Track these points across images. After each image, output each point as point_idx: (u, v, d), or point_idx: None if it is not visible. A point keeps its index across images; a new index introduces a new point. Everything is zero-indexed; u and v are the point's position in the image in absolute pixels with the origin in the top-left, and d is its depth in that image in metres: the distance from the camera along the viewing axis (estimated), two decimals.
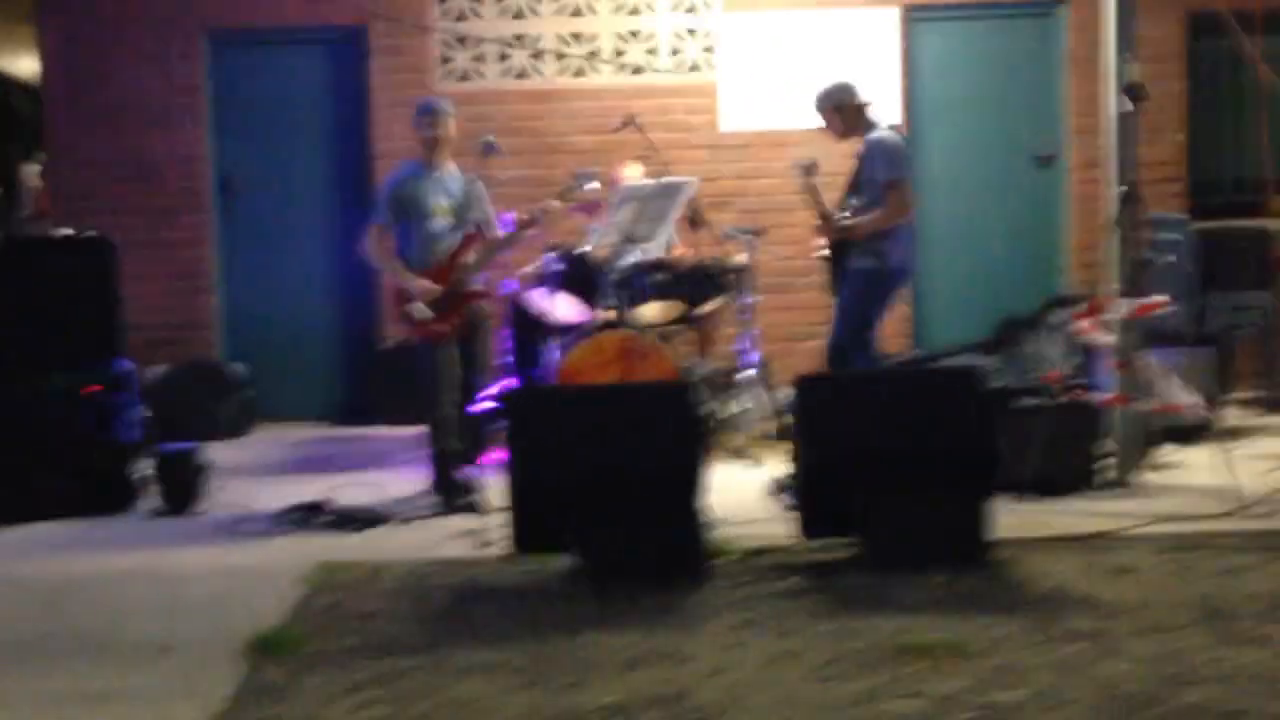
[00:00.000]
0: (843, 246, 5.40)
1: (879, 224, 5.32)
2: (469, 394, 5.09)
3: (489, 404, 5.32)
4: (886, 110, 6.96)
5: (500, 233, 5.29)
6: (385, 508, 4.91)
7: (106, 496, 5.08)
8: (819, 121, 5.56)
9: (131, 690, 3.20)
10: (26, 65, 7.33)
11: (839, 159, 5.77)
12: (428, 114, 5.17)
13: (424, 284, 5.01)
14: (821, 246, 5.54)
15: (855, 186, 5.42)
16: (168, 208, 7.10)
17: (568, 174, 6.46)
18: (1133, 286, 5.00)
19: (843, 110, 5.44)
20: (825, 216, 5.39)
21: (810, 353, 6.92)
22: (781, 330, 6.95)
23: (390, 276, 5.29)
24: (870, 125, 5.44)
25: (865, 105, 5.48)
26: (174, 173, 7.09)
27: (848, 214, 5.38)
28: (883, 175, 5.32)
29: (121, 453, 5.19)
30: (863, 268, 5.35)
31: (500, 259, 5.53)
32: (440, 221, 5.08)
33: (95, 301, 5.39)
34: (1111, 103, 5.07)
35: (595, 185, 5.42)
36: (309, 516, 4.80)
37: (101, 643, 3.57)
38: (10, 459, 5.05)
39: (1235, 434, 5.60)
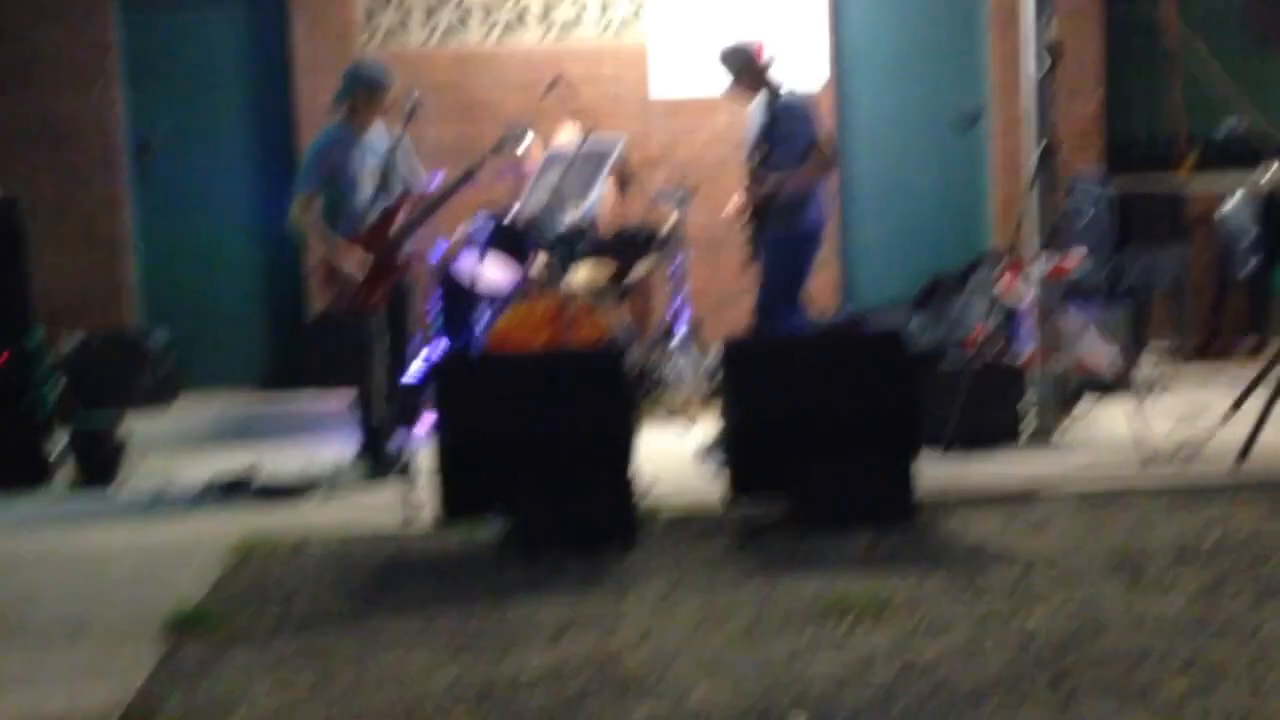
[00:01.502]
0: (763, 209, 5.37)
1: (807, 181, 5.33)
2: (397, 361, 5.01)
3: (418, 370, 5.26)
4: (815, 69, 6.99)
5: (429, 190, 5.17)
6: (311, 478, 4.84)
7: (19, 471, 4.95)
8: (725, 81, 5.47)
9: (44, 673, 3.14)
10: None
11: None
12: (383, 83, 4.95)
13: (355, 255, 4.86)
14: (746, 209, 5.49)
15: (768, 148, 5.35)
16: (80, 170, 6.88)
17: (495, 137, 6.41)
18: (1051, 243, 5.08)
19: (752, 69, 5.39)
20: (757, 173, 5.33)
21: (741, 314, 6.94)
22: (712, 292, 6.96)
23: (319, 246, 5.12)
24: (773, 87, 5.37)
25: (768, 65, 5.43)
26: (86, 134, 6.87)
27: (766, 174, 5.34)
28: (805, 135, 5.31)
29: (34, 426, 5.05)
30: (786, 229, 5.35)
31: (429, 221, 5.40)
32: (369, 188, 4.95)
33: (4, 268, 5.20)
34: (1031, 62, 5.11)
35: (528, 140, 5.31)
36: (232, 489, 4.72)
37: (13, 624, 3.50)
38: None
39: (1150, 386, 5.74)
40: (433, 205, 5.10)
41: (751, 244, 5.45)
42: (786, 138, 5.30)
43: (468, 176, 5.05)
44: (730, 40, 5.49)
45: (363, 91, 4.96)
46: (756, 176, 5.33)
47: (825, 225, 5.54)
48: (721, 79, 5.49)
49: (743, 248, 5.54)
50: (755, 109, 5.41)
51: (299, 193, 5.04)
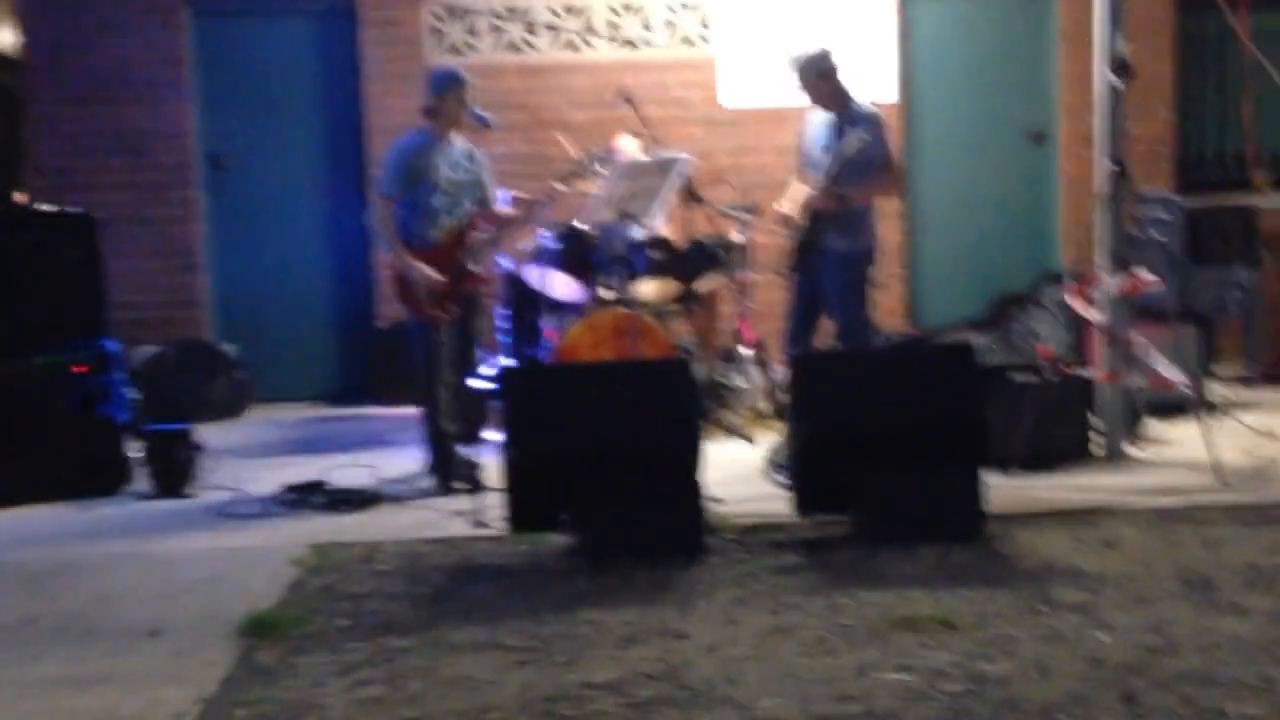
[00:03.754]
0: (820, 221, 5.22)
1: (875, 195, 5.24)
2: (466, 372, 5.04)
3: (486, 382, 5.32)
4: (884, 86, 6.97)
5: (502, 208, 5.19)
6: (380, 488, 4.91)
7: (96, 479, 5.06)
8: (796, 86, 5.34)
9: (121, 674, 3.20)
10: (5, 37, 7.25)
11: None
12: (459, 85, 4.98)
13: (428, 274, 4.89)
14: (800, 218, 5.32)
15: (843, 160, 5.27)
16: (155, 183, 7.03)
17: (561, 150, 6.48)
18: (1122, 262, 5.02)
19: (829, 77, 5.31)
20: (828, 182, 5.18)
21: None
22: (777, 308, 6.93)
23: (393, 255, 5.10)
24: (848, 96, 5.30)
25: (840, 73, 5.34)
26: (160, 147, 7.02)
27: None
28: (880, 151, 5.22)
29: (112, 434, 5.17)
30: (847, 248, 5.20)
31: (504, 242, 5.46)
32: (446, 195, 4.98)
33: (80, 280, 5.33)
34: (1102, 79, 5.07)
35: (598, 167, 5.39)
36: (303, 497, 4.80)
37: (90, 627, 3.57)
38: None
39: (1221, 409, 5.64)
40: (509, 227, 5.14)
41: (796, 255, 5.30)
42: (866, 152, 5.15)
43: (541, 206, 5.12)
44: (803, 47, 5.43)
45: (440, 95, 4.99)
46: (820, 187, 5.20)
47: (877, 250, 5.39)
48: (792, 83, 5.34)
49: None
50: (821, 118, 5.34)
51: (381, 195, 5.09)
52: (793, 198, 5.30)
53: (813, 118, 5.35)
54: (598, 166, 5.30)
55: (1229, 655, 3.04)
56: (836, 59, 5.29)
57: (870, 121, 5.17)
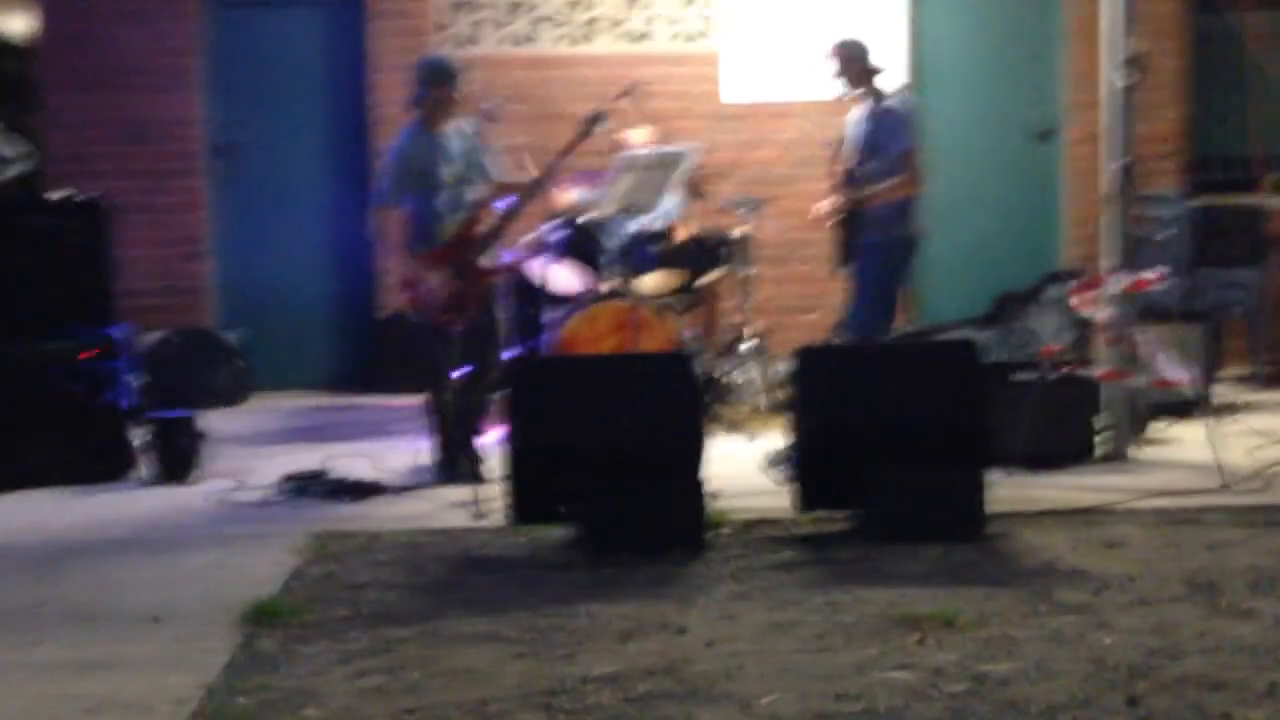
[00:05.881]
0: (853, 217, 5.37)
1: (899, 191, 5.31)
2: (479, 365, 4.97)
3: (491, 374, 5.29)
4: (892, 80, 6.94)
5: (508, 179, 5.06)
6: (381, 478, 4.91)
7: (101, 464, 5.07)
8: (832, 68, 5.43)
9: (124, 660, 3.21)
10: (15, 26, 7.26)
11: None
12: (451, 74, 4.89)
13: (435, 280, 4.82)
14: (834, 214, 5.47)
15: (865, 155, 5.37)
16: (161, 171, 7.05)
17: (567, 141, 6.47)
18: (1128, 262, 5.01)
19: (857, 63, 5.39)
20: (850, 180, 5.30)
21: (809, 325, 6.91)
22: (780, 302, 6.95)
23: (397, 259, 5.07)
24: (879, 93, 5.40)
25: (876, 70, 5.44)
26: (167, 136, 7.03)
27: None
28: (901, 144, 5.30)
29: (116, 420, 5.18)
30: (882, 239, 5.32)
31: (513, 222, 5.32)
32: (448, 191, 4.91)
33: (90, 266, 5.34)
34: (1110, 78, 5.06)
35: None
36: (305, 486, 4.81)
37: (94, 612, 3.57)
38: (3, 426, 5.02)
39: (1225, 410, 5.63)
40: (519, 204, 5.02)
41: (842, 249, 5.40)
42: (885, 143, 5.28)
43: (550, 174, 5.03)
44: (840, 36, 5.50)
45: (434, 85, 4.90)
46: (850, 180, 5.31)
47: (920, 238, 5.50)
48: (830, 72, 5.44)
49: (814, 258, 5.53)
50: (855, 114, 5.42)
51: (377, 205, 5.04)
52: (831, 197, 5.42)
53: (851, 116, 5.48)
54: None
55: (1234, 659, 3.02)
56: (868, 51, 5.41)
57: (887, 116, 5.25)
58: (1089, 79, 5.98)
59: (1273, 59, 5.41)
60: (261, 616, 3.43)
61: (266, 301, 7.12)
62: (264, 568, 3.89)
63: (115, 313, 5.41)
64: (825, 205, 5.49)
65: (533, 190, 5.08)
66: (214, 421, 5.56)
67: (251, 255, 7.14)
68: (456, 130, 5.01)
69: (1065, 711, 2.77)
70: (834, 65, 5.45)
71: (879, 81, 5.45)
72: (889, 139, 5.28)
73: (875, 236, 5.31)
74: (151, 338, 6.61)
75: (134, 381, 5.41)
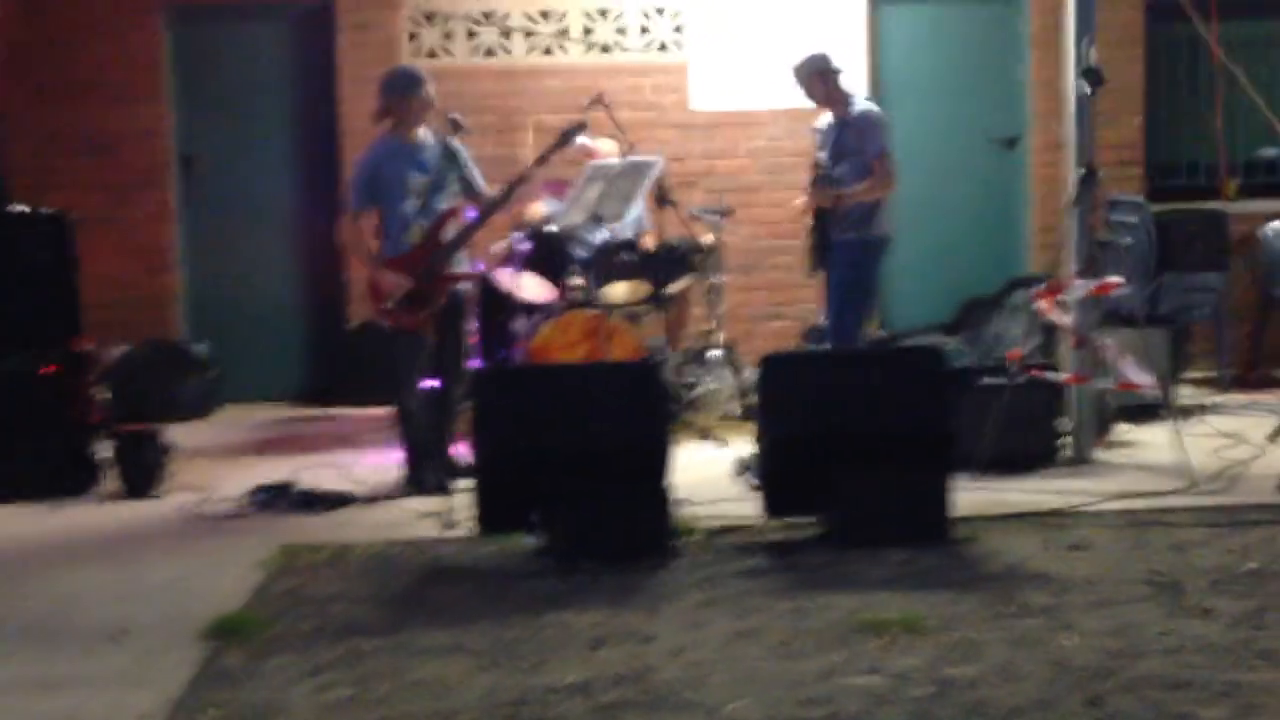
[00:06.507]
0: (825, 221, 5.44)
1: (874, 193, 5.39)
2: (447, 374, 4.97)
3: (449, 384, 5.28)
4: (854, 91, 7.01)
5: (486, 192, 5.07)
6: (350, 489, 4.89)
7: (64, 479, 5.02)
8: (800, 97, 5.59)
9: (85, 677, 3.18)
10: None
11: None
12: (419, 83, 4.90)
13: (394, 280, 4.84)
14: (808, 212, 5.53)
15: (837, 158, 5.45)
16: (127, 184, 6.99)
17: (535, 154, 6.48)
18: (1090, 267, 5.06)
19: (825, 76, 5.48)
20: (822, 181, 5.38)
21: (778, 332, 6.96)
22: (749, 310, 6.98)
23: (364, 266, 5.08)
24: (848, 97, 5.50)
25: (838, 72, 5.54)
26: (134, 148, 6.98)
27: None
28: (873, 148, 5.39)
29: (80, 434, 5.14)
30: (854, 237, 5.39)
31: (479, 230, 5.33)
32: (415, 201, 4.89)
33: (52, 280, 5.30)
34: (1072, 86, 5.11)
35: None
36: (272, 498, 4.78)
37: (56, 628, 3.54)
38: None
39: (1189, 412, 5.69)
40: (486, 214, 5.03)
41: (814, 252, 5.48)
42: (856, 149, 5.36)
43: (520, 182, 5.03)
44: (808, 50, 5.58)
45: (398, 97, 4.90)
46: (822, 185, 5.40)
47: (890, 239, 5.58)
48: (795, 90, 5.57)
49: (783, 265, 5.59)
50: (825, 120, 5.49)
51: (347, 211, 5.05)
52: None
53: (820, 120, 5.58)
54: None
55: (1196, 658, 3.06)
56: (835, 62, 5.50)
57: (863, 120, 5.34)
58: (1053, 87, 6.04)
59: (1233, 66, 5.49)
60: (226, 631, 3.41)
61: (234, 313, 7.08)
62: (230, 581, 3.87)
63: (79, 326, 5.37)
64: (802, 200, 5.58)
65: (505, 199, 5.08)
66: (181, 434, 5.53)
67: (219, 267, 7.10)
68: (433, 140, 5.01)
69: (1027, 714, 2.79)
70: (800, 88, 5.54)
71: (845, 85, 5.53)
72: (864, 142, 5.38)
73: (847, 235, 5.39)
74: (118, 350, 6.55)
75: (99, 395, 5.37)
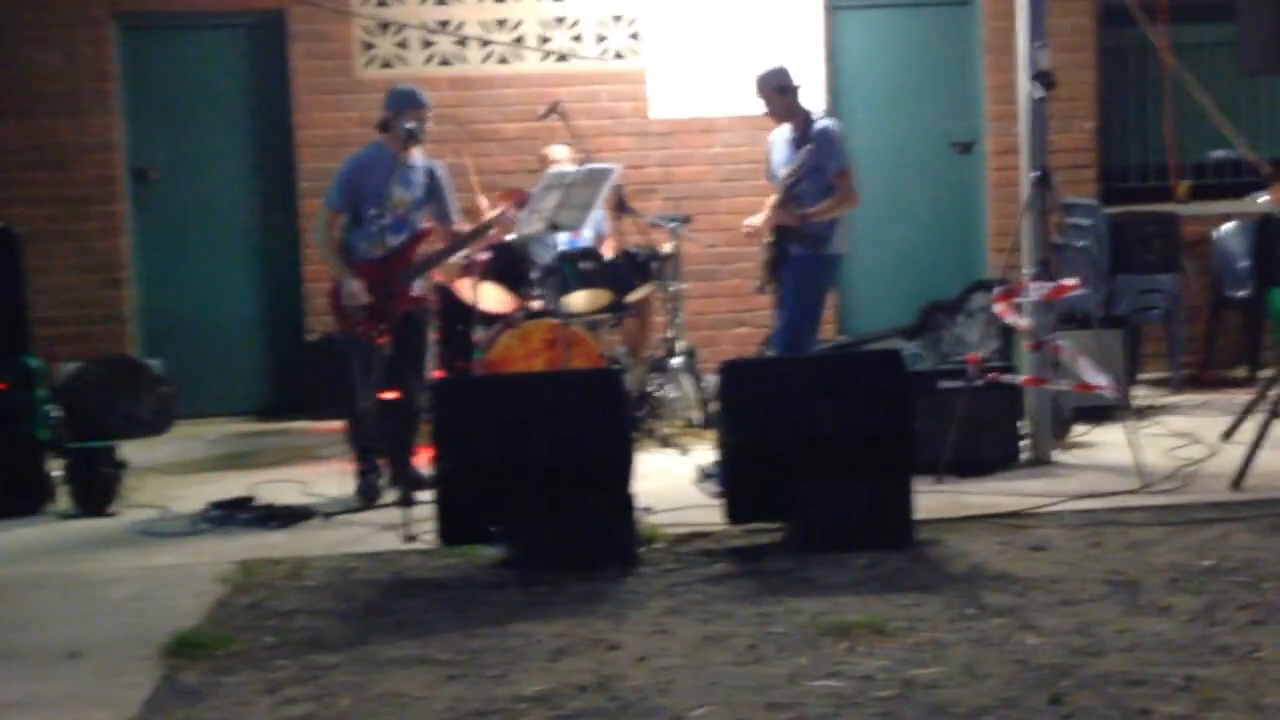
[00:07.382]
0: (784, 234, 5.40)
1: (836, 211, 5.36)
2: (406, 388, 4.92)
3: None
4: (810, 98, 7.03)
5: (460, 225, 5.15)
6: (309, 503, 4.84)
7: (16, 498, 4.94)
8: (759, 104, 5.54)
9: (41, 697, 3.13)
10: None
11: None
12: (420, 107, 4.97)
13: (356, 287, 4.85)
14: (767, 231, 5.48)
15: (802, 174, 5.40)
16: (79, 197, 6.89)
17: (490, 162, 6.47)
18: (1046, 270, 5.11)
19: (785, 92, 5.46)
20: (788, 200, 5.34)
21: (739, 339, 6.97)
22: (710, 317, 6.98)
23: (329, 267, 5.09)
24: (806, 114, 5.45)
25: (799, 91, 5.50)
26: (85, 161, 6.89)
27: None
28: (835, 164, 5.35)
29: (32, 452, 5.05)
30: (809, 254, 5.36)
31: (448, 260, 5.36)
32: (393, 213, 4.89)
33: (3, 295, 5.22)
34: (1025, 91, 5.17)
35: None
36: (230, 514, 4.72)
37: (10, 649, 3.48)
38: None
39: (1144, 413, 5.76)
40: (457, 244, 5.11)
41: (769, 267, 5.43)
42: (821, 163, 5.31)
43: (497, 220, 5.11)
44: (768, 64, 5.55)
45: (396, 112, 4.94)
46: (783, 201, 5.35)
47: (842, 254, 5.55)
48: (757, 102, 5.52)
49: (743, 272, 5.56)
50: (781, 135, 5.46)
51: (325, 207, 5.05)
52: (765, 213, 5.43)
53: (776, 134, 5.53)
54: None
55: (1154, 655, 3.09)
56: (794, 78, 5.47)
57: (822, 137, 5.31)
58: (1007, 91, 6.10)
59: (1183, 70, 5.57)
60: (184, 648, 3.36)
61: (190, 327, 6.99)
62: (187, 598, 3.81)
63: (31, 342, 5.28)
64: (757, 220, 5.50)
65: (476, 236, 5.18)
66: (137, 451, 5.46)
67: (174, 281, 7.02)
68: (425, 162, 5.05)
69: (991, 713, 2.81)
70: (766, 102, 5.48)
71: (803, 100, 5.49)
72: (825, 158, 5.31)
73: (806, 250, 5.33)
74: (72, 366, 6.46)
75: (51, 412, 5.28)
